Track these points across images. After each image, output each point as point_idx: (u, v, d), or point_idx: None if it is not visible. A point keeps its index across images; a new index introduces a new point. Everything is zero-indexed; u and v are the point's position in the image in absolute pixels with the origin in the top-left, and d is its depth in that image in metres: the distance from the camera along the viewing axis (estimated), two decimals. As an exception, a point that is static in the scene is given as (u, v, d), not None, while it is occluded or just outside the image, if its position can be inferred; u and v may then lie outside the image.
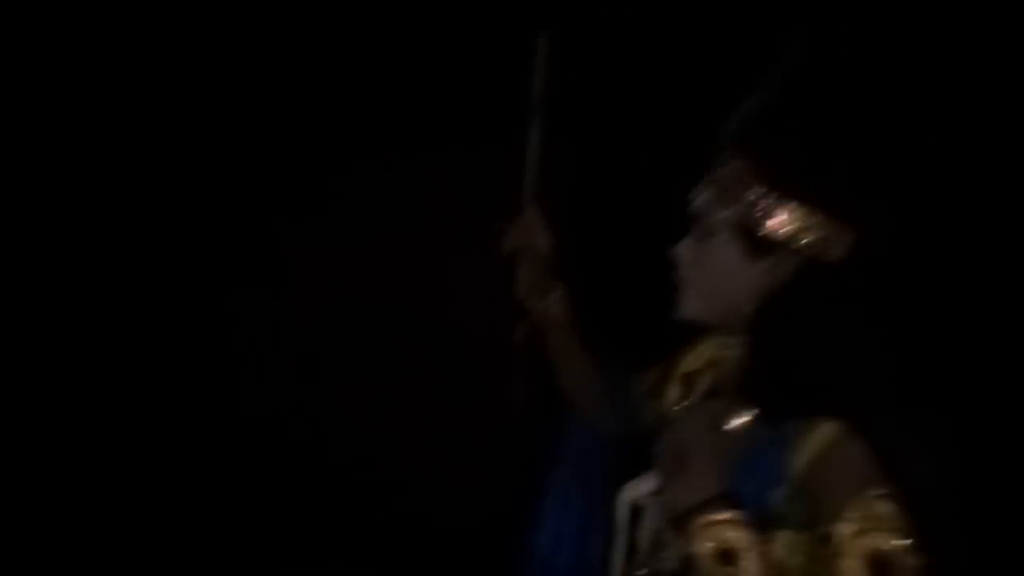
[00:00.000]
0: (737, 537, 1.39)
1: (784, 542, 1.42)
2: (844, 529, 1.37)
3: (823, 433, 1.42)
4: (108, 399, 3.16)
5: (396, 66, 3.08)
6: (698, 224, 1.58)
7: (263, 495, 3.19)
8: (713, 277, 1.56)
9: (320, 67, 3.09)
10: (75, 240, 3.14)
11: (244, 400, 3.20)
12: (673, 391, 1.78)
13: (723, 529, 1.39)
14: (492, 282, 2.28)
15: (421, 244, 3.10)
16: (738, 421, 1.50)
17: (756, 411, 1.50)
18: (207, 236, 3.15)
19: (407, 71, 3.08)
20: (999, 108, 2.50)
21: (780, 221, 1.49)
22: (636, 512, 1.59)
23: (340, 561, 3.18)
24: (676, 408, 1.72)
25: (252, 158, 3.15)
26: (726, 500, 1.42)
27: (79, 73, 3.09)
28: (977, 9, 2.49)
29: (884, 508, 1.37)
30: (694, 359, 1.78)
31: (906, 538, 1.36)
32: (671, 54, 2.75)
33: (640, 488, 1.56)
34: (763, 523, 1.42)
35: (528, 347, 1.97)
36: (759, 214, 1.50)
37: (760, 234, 1.50)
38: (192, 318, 3.17)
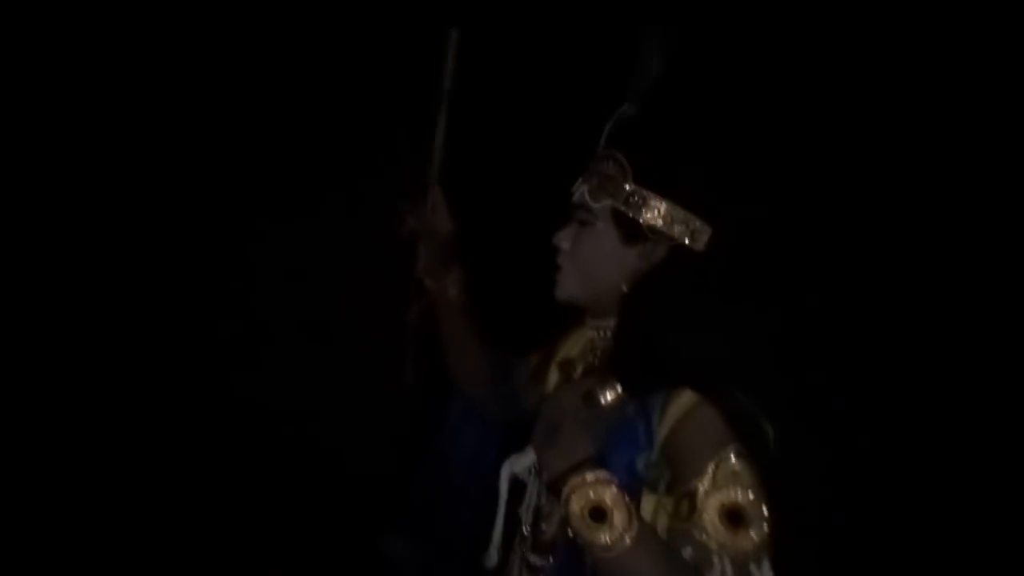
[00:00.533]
0: (606, 494, 1.50)
1: (650, 502, 1.56)
2: (702, 485, 1.50)
3: (681, 402, 1.56)
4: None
5: (308, 55, 3.15)
6: (577, 213, 1.73)
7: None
8: (591, 260, 1.70)
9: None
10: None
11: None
12: (553, 376, 1.88)
13: (594, 487, 1.51)
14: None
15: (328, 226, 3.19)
16: (609, 395, 1.60)
17: (624, 385, 1.60)
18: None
19: (318, 62, 3.15)
20: (847, 108, 2.68)
21: (652, 213, 1.66)
22: (516, 486, 1.69)
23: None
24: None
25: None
26: (596, 464, 1.53)
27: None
28: (827, 11, 2.66)
29: (736, 466, 1.51)
30: (571, 345, 1.89)
31: (755, 491, 1.50)
32: (557, 60, 2.88)
33: (520, 462, 1.66)
34: (633, 488, 1.54)
35: (421, 326, 2.06)
36: (633, 206, 1.66)
37: (635, 223, 1.66)
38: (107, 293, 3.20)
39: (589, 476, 1.52)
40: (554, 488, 1.56)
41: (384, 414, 2.57)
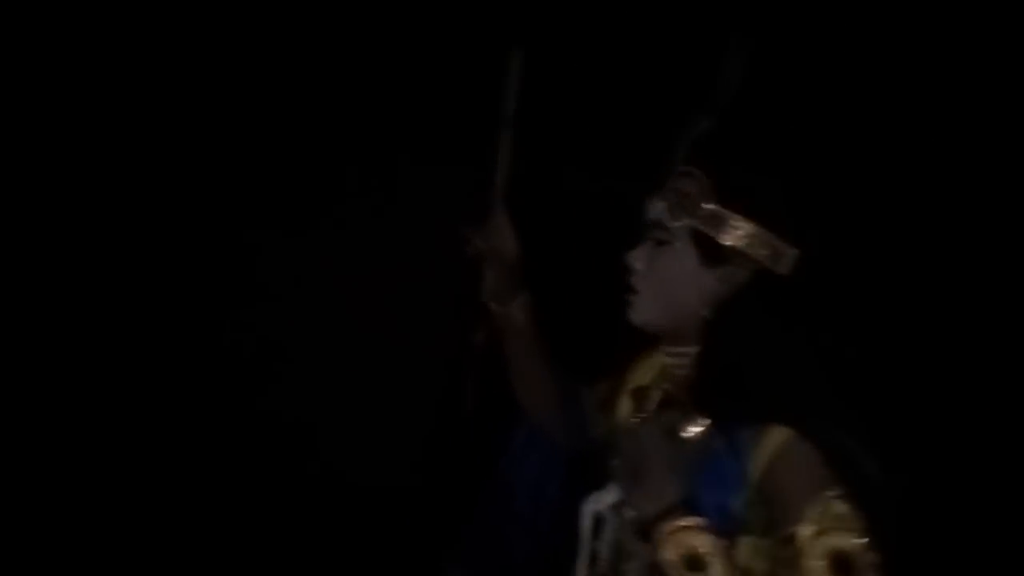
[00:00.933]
0: (703, 543, 1.43)
1: (748, 547, 1.47)
2: (805, 530, 1.42)
3: (775, 439, 1.48)
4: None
5: (370, 75, 3.09)
6: (653, 233, 1.64)
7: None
8: (668, 283, 1.61)
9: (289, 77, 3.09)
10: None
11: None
12: (624, 405, 1.81)
13: (689, 535, 1.43)
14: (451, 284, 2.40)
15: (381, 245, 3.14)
16: (693, 430, 1.54)
17: (709, 420, 1.55)
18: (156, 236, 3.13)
19: (380, 80, 3.09)
20: (943, 126, 2.59)
21: (733, 234, 1.57)
22: (598, 523, 1.62)
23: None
24: (629, 421, 1.75)
25: (220, 165, 3.15)
26: (688, 507, 1.46)
27: (51, 83, 3.05)
28: (916, 27, 2.58)
29: (841, 508, 1.43)
30: (644, 372, 1.81)
31: (864, 536, 1.42)
32: (629, 73, 2.81)
33: (602, 500, 1.59)
34: (726, 529, 1.46)
35: (487, 350, 1.99)
36: (714, 226, 1.57)
37: (715, 244, 1.57)
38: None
39: (683, 522, 1.44)
40: (644, 532, 1.49)
41: (440, 440, 2.53)
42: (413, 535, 2.85)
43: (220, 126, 3.09)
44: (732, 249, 1.57)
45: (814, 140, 1.73)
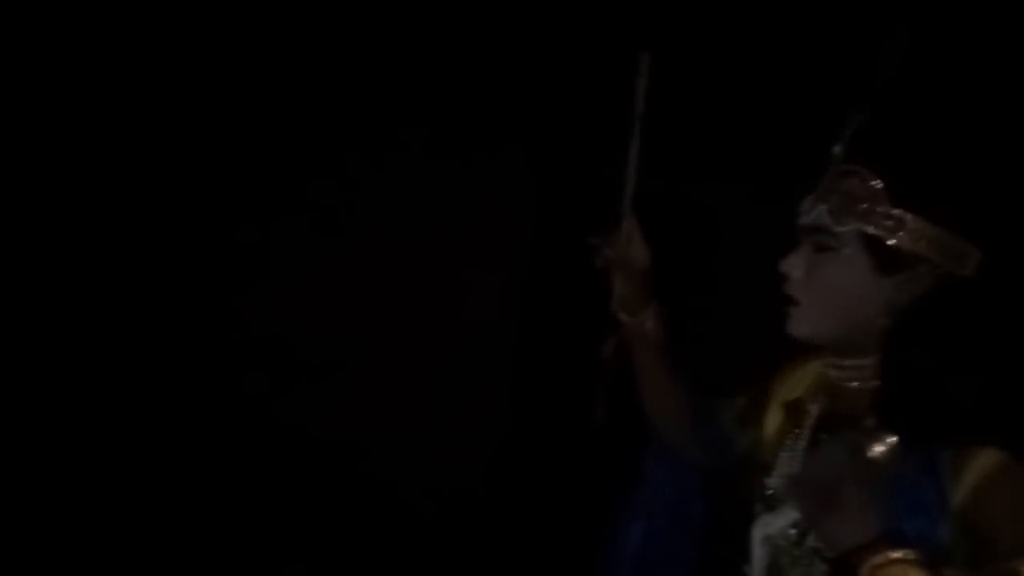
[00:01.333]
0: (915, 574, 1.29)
1: None
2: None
3: (982, 462, 1.36)
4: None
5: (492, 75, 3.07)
6: (812, 237, 1.51)
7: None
8: (838, 292, 1.48)
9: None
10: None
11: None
12: (773, 419, 1.69)
13: (902, 570, 1.29)
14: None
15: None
16: (879, 450, 1.41)
17: (898, 438, 1.42)
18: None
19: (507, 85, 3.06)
20: None
21: (913, 237, 1.44)
22: (770, 549, 1.51)
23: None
24: (784, 437, 1.62)
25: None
26: (896, 538, 1.32)
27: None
28: None
29: None
30: (794, 384, 1.69)
31: None
32: (770, 66, 2.71)
33: (774, 524, 1.48)
34: (930, 563, 1.32)
35: (616, 363, 1.90)
36: (891, 230, 1.44)
37: (892, 249, 1.44)
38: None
39: (894, 554, 1.30)
40: (841, 565, 1.34)
41: (566, 460, 2.44)
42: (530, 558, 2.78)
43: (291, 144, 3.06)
44: (912, 254, 1.44)
45: (982, 131, 1.60)
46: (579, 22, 2.92)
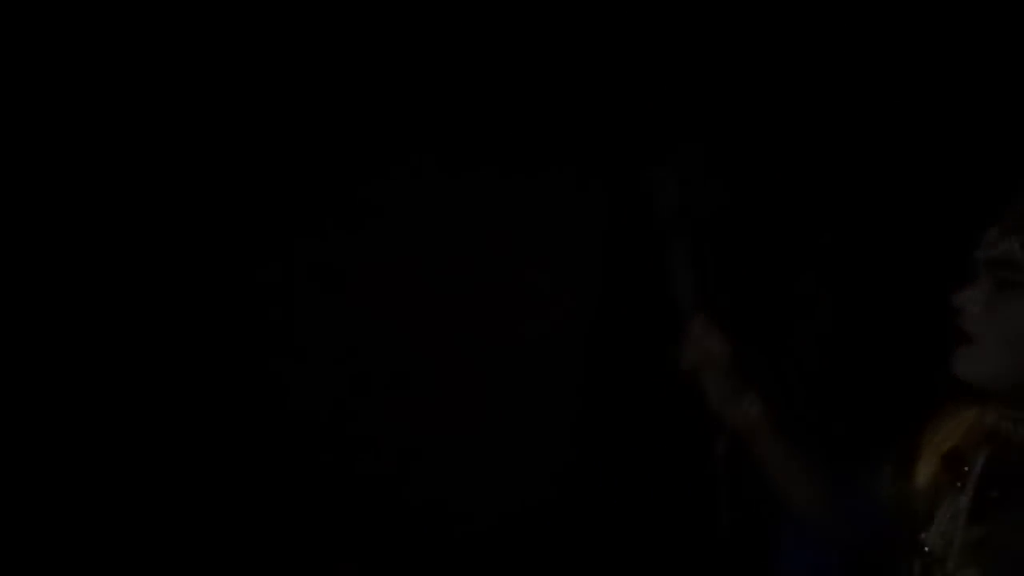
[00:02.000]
0: None
1: None
2: None
3: None
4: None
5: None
6: (996, 271, 1.42)
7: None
8: (1021, 334, 1.40)
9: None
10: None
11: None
12: (926, 469, 1.58)
13: None
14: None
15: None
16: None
17: None
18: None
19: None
20: None
21: None
22: None
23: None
24: (946, 493, 1.52)
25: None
26: None
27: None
28: None
29: None
30: (949, 431, 1.58)
31: None
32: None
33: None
34: None
35: (732, 460, 1.89)
36: None
37: None
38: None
39: None
40: None
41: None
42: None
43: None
44: None
45: None
46: (650, 40, 3.00)
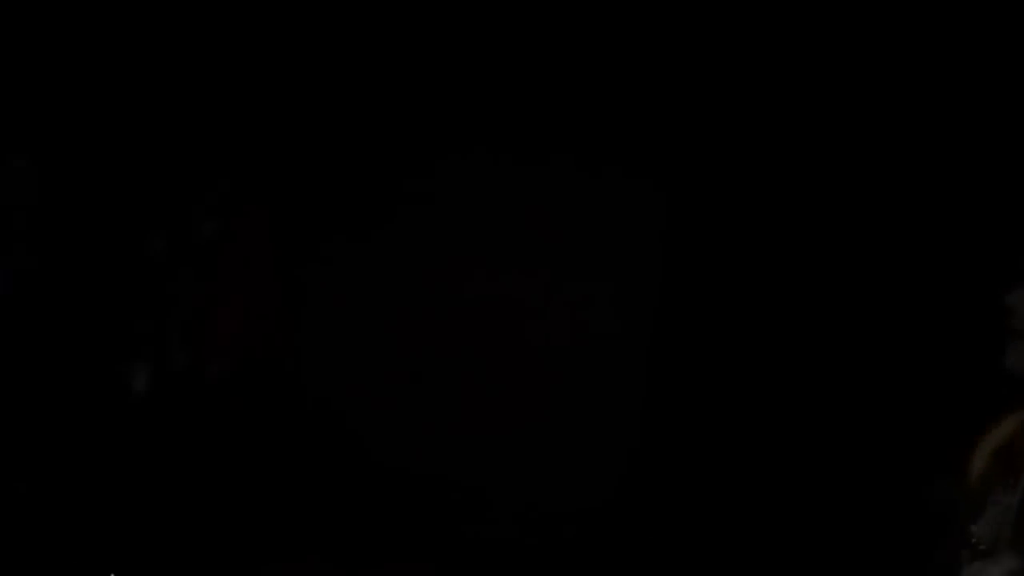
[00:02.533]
0: None
1: None
2: None
3: None
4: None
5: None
6: None
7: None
8: None
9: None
10: None
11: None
12: (979, 465, 1.65)
13: None
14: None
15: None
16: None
17: None
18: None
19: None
20: None
21: None
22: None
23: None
24: (997, 487, 1.60)
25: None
26: None
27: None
28: None
29: None
30: (1003, 430, 1.66)
31: None
32: None
33: (990, 571, 1.52)
34: None
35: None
36: None
37: None
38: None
39: None
40: None
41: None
42: None
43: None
44: None
45: None
46: (711, 49, 3.03)
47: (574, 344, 3.19)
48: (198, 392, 3.06)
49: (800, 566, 2.27)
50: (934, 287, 2.77)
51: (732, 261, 3.05)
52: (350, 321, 3.24)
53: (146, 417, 3.04)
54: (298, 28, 3.13)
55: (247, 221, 3.13)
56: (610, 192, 3.19)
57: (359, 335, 3.23)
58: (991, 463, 1.63)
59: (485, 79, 3.18)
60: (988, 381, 1.59)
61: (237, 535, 3.08)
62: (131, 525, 2.98)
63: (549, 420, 3.20)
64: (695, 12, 3.09)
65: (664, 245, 3.20)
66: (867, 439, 1.86)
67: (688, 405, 3.11)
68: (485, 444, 3.17)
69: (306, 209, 3.22)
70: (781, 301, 2.51)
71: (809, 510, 1.91)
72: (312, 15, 3.14)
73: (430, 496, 3.19)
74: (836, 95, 3.05)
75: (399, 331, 3.22)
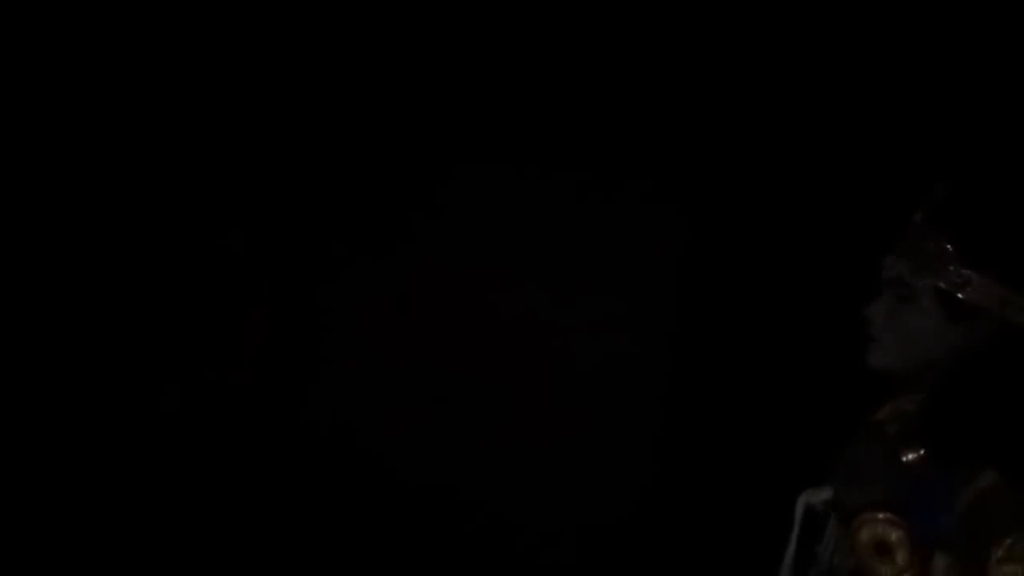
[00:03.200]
0: (893, 533, 1.70)
1: (941, 563, 1.72)
2: (992, 556, 1.65)
3: (990, 478, 1.70)
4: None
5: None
6: (893, 289, 1.86)
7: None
8: (910, 336, 1.84)
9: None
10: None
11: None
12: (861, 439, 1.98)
13: (883, 524, 1.71)
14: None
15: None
16: (912, 456, 1.79)
17: (931, 449, 1.78)
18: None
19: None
20: None
21: (979, 293, 1.78)
22: (810, 517, 1.89)
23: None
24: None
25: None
26: (891, 508, 1.72)
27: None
28: None
29: None
30: (884, 410, 1.99)
31: None
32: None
33: (817, 496, 1.87)
34: (926, 541, 1.71)
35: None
36: (960, 286, 1.78)
37: (961, 303, 1.78)
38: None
39: (881, 515, 1.73)
40: (844, 518, 1.78)
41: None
42: None
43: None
44: (977, 307, 1.78)
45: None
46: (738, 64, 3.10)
47: (596, 360, 3.26)
48: (225, 406, 3.14)
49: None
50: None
51: (753, 277, 3.13)
52: (367, 335, 3.30)
53: (175, 430, 3.12)
54: (324, 40, 3.14)
55: (272, 234, 3.20)
56: (633, 207, 3.24)
57: (375, 350, 3.29)
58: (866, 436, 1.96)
59: (511, 92, 3.21)
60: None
61: (263, 549, 3.16)
62: (155, 535, 3.09)
63: (571, 435, 3.28)
64: (724, 33, 3.15)
65: (687, 261, 3.26)
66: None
67: (711, 418, 3.21)
68: (505, 460, 3.25)
69: (325, 222, 3.27)
70: (803, 316, 2.70)
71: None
72: (344, 31, 3.17)
73: (451, 514, 3.25)
74: (865, 124, 3.13)
75: (417, 345, 3.27)
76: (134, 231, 3.17)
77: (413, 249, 3.29)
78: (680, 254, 3.27)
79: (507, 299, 3.28)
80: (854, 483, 1.79)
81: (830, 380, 2.24)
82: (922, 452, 1.78)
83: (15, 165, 3.12)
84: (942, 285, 1.80)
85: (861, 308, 1.89)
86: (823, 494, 1.89)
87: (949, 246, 1.80)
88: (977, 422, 1.76)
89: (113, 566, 3.11)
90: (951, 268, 1.79)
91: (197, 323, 3.21)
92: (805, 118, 3.13)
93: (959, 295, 1.79)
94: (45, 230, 3.09)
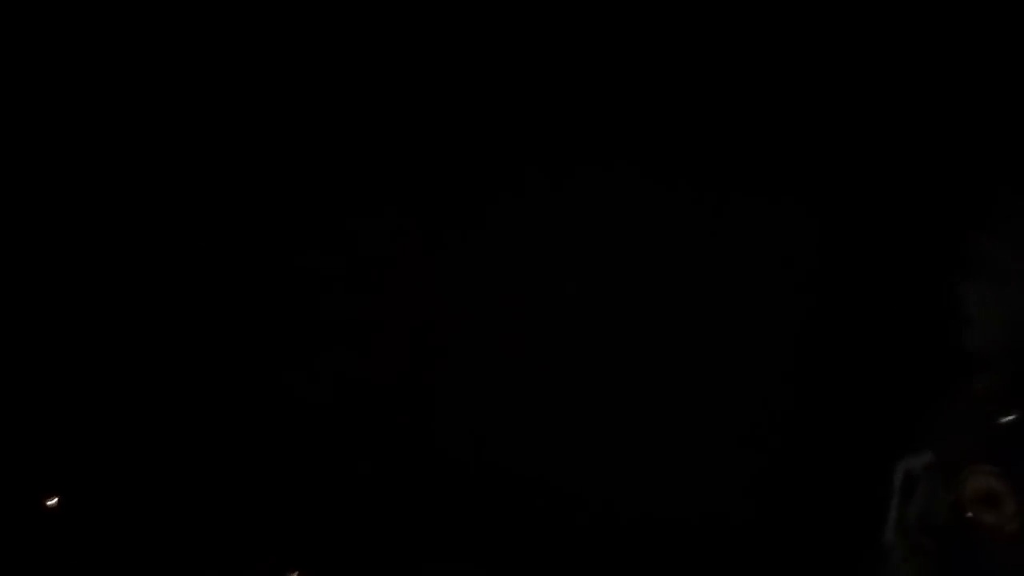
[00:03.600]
0: (1000, 484, 1.79)
1: None
2: None
3: None
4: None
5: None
6: (987, 269, 1.96)
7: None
8: (1004, 316, 1.94)
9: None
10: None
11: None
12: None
13: (989, 477, 1.80)
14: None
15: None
16: (1007, 419, 1.89)
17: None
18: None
19: None
20: None
21: None
22: (909, 480, 2.00)
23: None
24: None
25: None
26: (993, 462, 1.81)
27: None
28: None
29: None
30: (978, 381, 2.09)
31: None
32: None
33: (915, 461, 1.98)
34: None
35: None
36: None
37: None
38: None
39: (987, 467, 1.81)
40: (949, 473, 1.86)
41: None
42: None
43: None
44: None
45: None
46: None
47: (718, 358, 3.36)
48: (363, 401, 3.31)
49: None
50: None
51: (884, 269, 3.21)
52: (479, 331, 3.40)
53: (312, 424, 3.31)
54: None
55: (403, 232, 3.35)
56: (762, 220, 3.32)
57: (487, 346, 3.39)
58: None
59: (645, 96, 3.31)
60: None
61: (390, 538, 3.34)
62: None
63: (691, 424, 3.37)
64: (854, 45, 3.26)
65: (816, 263, 3.33)
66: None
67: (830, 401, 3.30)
68: (612, 452, 3.35)
69: (445, 220, 3.42)
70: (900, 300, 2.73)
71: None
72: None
73: (558, 505, 3.37)
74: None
75: (526, 337, 3.38)
76: (273, 233, 3.40)
77: (544, 246, 3.41)
78: (814, 245, 3.35)
79: (638, 299, 3.39)
80: (956, 443, 1.89)
81: (926, 355, 2.32)
82: (1012, 416, 1.90)
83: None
84: None
85: (957, 290, 2.01)
86: (922, 458, 2.00)
87: None
88: None
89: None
90: None
91: (335, 322, 3.39)
92: (909, 110, 3.26)
93: None
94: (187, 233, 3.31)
